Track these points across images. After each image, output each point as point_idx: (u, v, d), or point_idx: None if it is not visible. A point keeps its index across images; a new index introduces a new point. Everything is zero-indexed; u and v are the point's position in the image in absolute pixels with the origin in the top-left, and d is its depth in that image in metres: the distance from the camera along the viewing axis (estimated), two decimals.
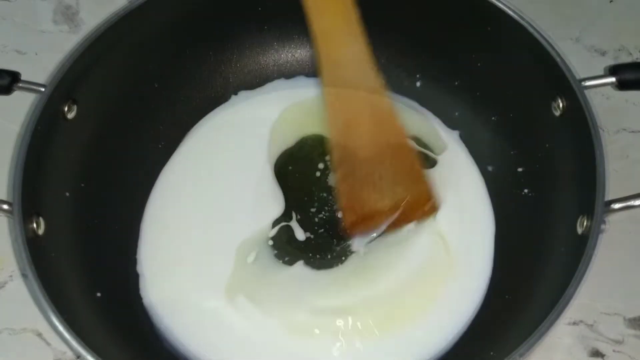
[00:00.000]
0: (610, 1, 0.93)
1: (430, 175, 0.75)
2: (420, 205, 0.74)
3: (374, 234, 0.74)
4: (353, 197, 0.73)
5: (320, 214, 0.77)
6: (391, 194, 0.72)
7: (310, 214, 0.77)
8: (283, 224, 0.76)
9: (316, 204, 0.77)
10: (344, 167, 0.72)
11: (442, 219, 0.76)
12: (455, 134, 0.81)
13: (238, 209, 0.77)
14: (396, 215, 0.73)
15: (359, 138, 0.71)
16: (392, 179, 0.73)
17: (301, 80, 0.85)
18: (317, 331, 0.70)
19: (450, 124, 0.82)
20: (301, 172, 0.80)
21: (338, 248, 0.75)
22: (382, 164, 0.72)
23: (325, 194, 0.78)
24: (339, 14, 0.65)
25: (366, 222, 0.73)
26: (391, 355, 0.70)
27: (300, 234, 0.76)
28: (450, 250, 0.74)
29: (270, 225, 0.76)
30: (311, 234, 0.76)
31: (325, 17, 0.65)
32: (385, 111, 0.70)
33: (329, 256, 0.75)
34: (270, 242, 0.76)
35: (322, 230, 0.76)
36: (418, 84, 0.84)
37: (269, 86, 0.85)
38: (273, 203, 0.78)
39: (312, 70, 0.85)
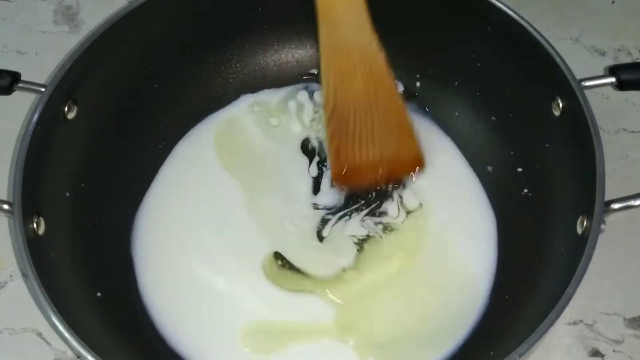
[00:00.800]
0: (613, 2, 0.93)
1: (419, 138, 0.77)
2: (407, 162, 0.76)
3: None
4: (342, 150, 0.74)
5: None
6: (379, 149, 0.74)
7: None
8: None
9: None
10: (335, 121, 0.74)
11: (442, 220, 0.76)
12: (450, 139, 0.81)
13: (237, 209, 0.77)
14: (383, 171, 0.75)
15: (352, 94, 0.72)
16: (381, 135, 0.74)
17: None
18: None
19: (449, 124, 0.82)
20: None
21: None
22: (372, 120, 0.73)
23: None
24: None
25: (353, 174, 0.75)
26: (392, 356, 0.70)
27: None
28: (450, 251, 0.74)
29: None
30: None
31: None
32: (379, 69, 0.71)
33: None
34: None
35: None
36: (418, 84, 0.84)
37: (268, 90, 0.85)
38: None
39: (308, 72, 0.86)
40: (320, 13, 0.68)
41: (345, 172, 0.76)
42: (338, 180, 0.77)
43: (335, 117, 0.74)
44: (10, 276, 0.76)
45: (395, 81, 0.72)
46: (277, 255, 0.74)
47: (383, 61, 0.71)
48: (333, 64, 0.71)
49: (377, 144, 0.74)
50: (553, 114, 0.71)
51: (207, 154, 0.81)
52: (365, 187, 0.77)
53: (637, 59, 0.89)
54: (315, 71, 0.85)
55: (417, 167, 0.77)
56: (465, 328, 0.70)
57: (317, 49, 0.85)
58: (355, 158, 0.75)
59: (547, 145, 0.73)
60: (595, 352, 0.72)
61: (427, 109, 0.83)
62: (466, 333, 0.70)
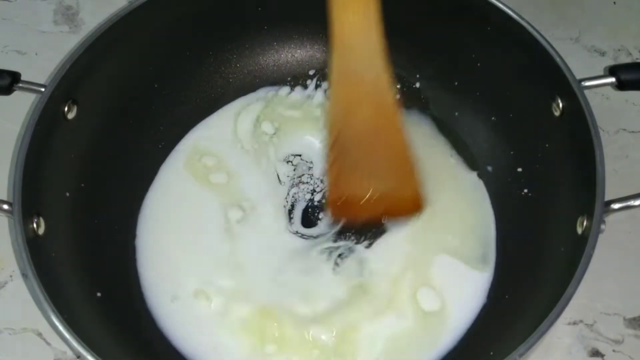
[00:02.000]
0: (614, 3, 0.93)
1: (422, 177, 0.75)
2: (406, 202, 0.75)
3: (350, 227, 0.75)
4: (342, 178, 0.73)
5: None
6: (379, 185, 0.73)
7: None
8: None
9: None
10: (337, 148, 0.73)
11: (442, 220, 0.76)
12: (450, 139, 0.81)
13: (237, 209, 0.78)
14: (380, 207, 0.74)
15: (358, 124, 0.71)
16: (383, 170, 0.73)
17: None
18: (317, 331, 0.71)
19: (449, 124, 0.82)
20: None
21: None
22: (375, 153, 0.73)
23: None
24: (360, 5, 0.66)
25: (349, 206, 0.74)
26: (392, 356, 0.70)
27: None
28: (450, 251, 0.74)
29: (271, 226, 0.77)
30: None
31: (346, 7, 0.66)
32: (387, 104, 0.70)
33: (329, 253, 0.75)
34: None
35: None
36: (418, 84, 0.84)
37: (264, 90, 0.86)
38: (274, 201, 0.79)
39: (307, 72, 0.86)
40: (336, 39, 0.67)
41: (342, 202, 0.74)
42: (333, 209, 0.75)
43: (338, 145, 0.72)
44: (10, 276, 0.76)
45: (396, 86, 0.72)
46: None
47: (392, 96, 0.70)
48: (342, 91, 0.70)
49: (377, 179, 0.73)
50: (553, 114, 0.71)
51: (208, 155, 0.81)
52: (358, 222, 0.75)
53: (637, 59, 0.89)
54: (312, 72, 0.85)
55: (416, 210, 0.75)
56: (461, 328, 0.71)
57: (317, 49, 0.86)
58: (354, 189, 0.73)
59: (547, 145, 0.73)
60: (595, 352, 0.72)
61: (427, 109, 0.83)
62: (466, 333, 0.70)
